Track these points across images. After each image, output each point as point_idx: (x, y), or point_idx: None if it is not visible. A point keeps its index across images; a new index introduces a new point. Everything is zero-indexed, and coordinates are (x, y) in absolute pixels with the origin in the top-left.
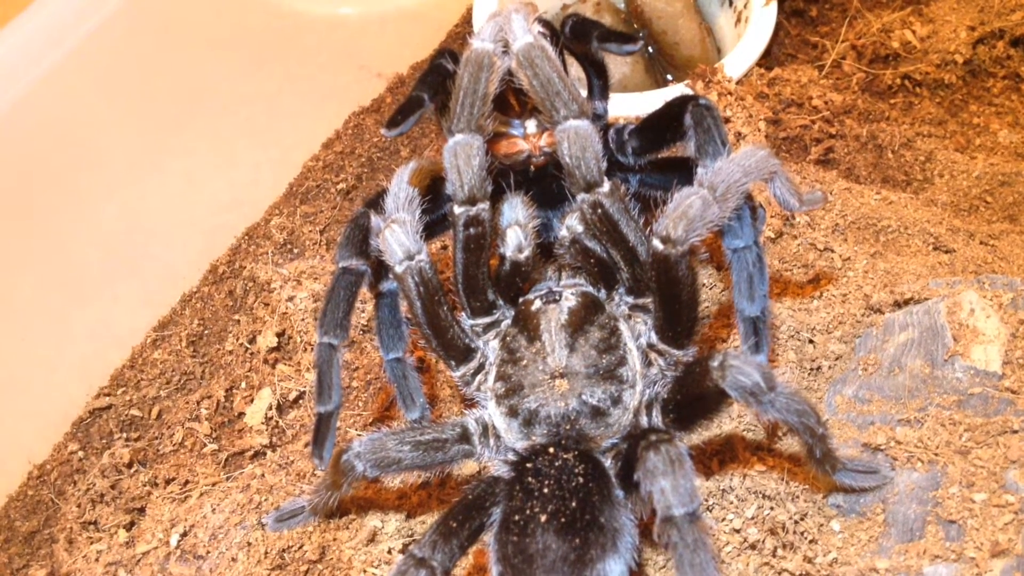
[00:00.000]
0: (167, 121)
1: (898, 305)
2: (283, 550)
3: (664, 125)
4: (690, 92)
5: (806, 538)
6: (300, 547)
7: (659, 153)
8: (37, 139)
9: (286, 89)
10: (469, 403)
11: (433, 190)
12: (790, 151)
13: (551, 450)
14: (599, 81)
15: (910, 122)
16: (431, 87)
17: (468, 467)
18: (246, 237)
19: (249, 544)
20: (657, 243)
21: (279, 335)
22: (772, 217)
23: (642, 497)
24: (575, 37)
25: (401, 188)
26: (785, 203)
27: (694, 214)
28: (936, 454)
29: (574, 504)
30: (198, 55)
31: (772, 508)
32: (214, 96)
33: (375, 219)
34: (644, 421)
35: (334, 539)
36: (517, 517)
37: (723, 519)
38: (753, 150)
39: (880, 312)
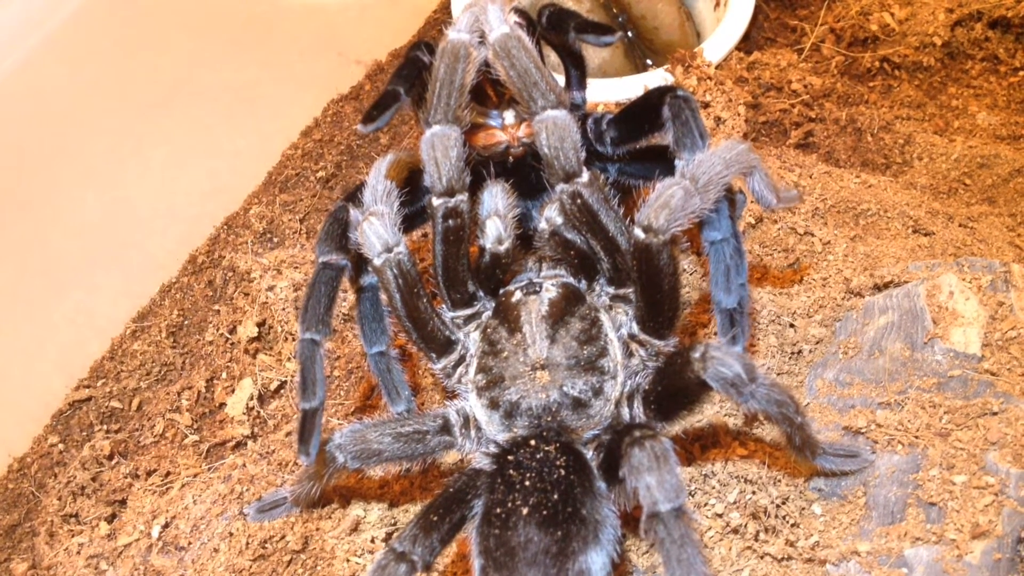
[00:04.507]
0: (145, 109)
1: (878, 288)
2: (265, 540)
3: (642, 116)
4: (669, 80)
5: (788, 522)
6: (282, 537)
7: (637, 143)
8: (13, 128)
9: (264, 77)
10: (451, 394)
11: (412, 182)
12: (770, 135)
13: (532, 442)
14: (577, 71)
15: (889, 105)
16: (407, 80)
17: (451, 455)
18: (225, 226)
19: (231, 535)
20: (639, 232)
21: (259, 325)
22: (752, 202)
23: (626, 490)
24: (552, 27)
25: (379, 181)
26: (763, 199)
27: (676, 204)
28: (916, 437)
29: (556, 496)
30: (175, 42)
31: (754, 492)
32: (192, 84)
33: (354, 212)
34: (625, 412)
35: (316, 529)
36: (499, 510)
37: (705, 504)
38: (733, 144)
39: (860, 295)
